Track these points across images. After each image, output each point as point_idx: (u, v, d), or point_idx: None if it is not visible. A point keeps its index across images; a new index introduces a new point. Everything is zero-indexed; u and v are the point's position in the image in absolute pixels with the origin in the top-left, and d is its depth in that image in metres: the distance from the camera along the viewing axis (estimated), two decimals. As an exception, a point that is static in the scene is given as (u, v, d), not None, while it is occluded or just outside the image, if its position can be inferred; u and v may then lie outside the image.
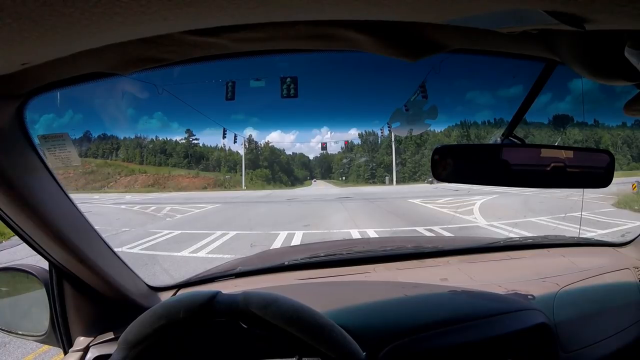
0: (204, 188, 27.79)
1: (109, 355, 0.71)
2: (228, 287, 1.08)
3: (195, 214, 10.85)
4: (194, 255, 5.54)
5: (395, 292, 0.97)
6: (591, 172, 0.78)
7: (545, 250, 1.39)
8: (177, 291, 1.08)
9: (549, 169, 0.73)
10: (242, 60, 0.64)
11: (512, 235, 4.53)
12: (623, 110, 0.60)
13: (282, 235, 6.70)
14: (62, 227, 0.71)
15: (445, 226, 7.06)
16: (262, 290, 0.74)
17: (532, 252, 1.38)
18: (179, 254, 5.60)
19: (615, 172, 0.77)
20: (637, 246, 1.32)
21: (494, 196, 11.31)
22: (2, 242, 6.30)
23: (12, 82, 0.52)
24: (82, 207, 0.79)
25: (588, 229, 6.14)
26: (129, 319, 0.71)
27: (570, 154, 0.75)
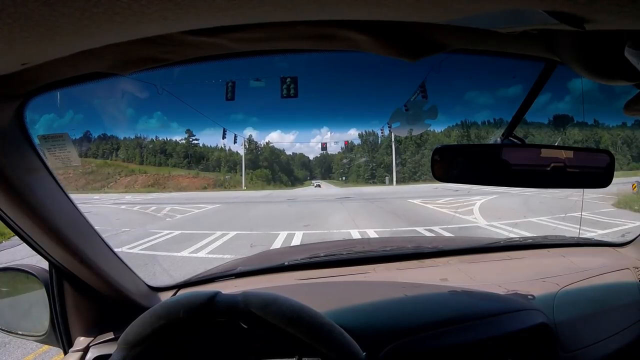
0: (204, 188, 27.77)
1: (109, 355, 0.71)
2: (228, 287, 1.08)
3: (195, 214, 10.83)
4: (194, 255, 5.54)
5: (395, 292, 0.97)
6: (591, 172, 0.78)
7: (545, 250, 1.39)
8: (177, 291, 1.08)
9: (549, 169, 0.73)
10: (242, 60, 0.64)
11: (512, 235, 4.53)
12: (623, 110, 0.60)
13: (282, 235, 6.69)
14: (62, 227, 0.71)
15: (445, 226, 7.06)
16: (262, 291, 0.74)
17: (532, 252, 1.38)
18: (179, 254, 5.59)
19: (615, 172, 0.77)
20: (637, 246, 1.32)
21: (494, 196, 11.30)
22: (2, 242, 6.29)
23: (12, 82, 0.52)
24: (82, 207, 0.78)
25: (588, 229, 6.13)
26: (129, 319, 0.71)
27: (570, 154, 0.75)
